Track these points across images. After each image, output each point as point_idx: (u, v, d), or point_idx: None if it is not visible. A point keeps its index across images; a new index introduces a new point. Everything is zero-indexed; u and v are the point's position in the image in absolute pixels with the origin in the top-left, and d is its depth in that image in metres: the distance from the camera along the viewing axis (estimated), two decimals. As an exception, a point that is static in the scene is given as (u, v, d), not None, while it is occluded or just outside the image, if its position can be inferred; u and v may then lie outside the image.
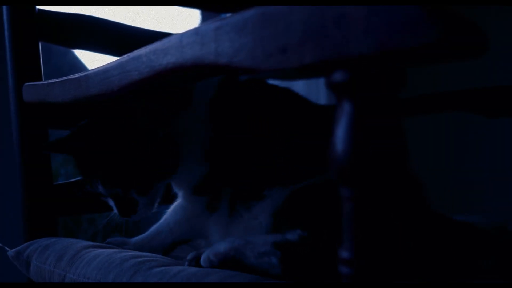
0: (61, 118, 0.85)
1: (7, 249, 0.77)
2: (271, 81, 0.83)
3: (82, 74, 0.60)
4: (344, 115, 0.38)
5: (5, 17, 0.81)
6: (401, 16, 0.33)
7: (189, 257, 0.64)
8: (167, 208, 0.84)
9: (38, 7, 0.85)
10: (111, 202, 0.77)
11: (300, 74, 0.42)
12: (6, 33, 0.81)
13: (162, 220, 0.83)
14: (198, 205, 0.79)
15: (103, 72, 0.57)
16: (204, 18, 1.56)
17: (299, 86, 1.56)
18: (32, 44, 0.82)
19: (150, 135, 0.73)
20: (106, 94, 0.57)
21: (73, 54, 1.76)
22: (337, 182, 0.39)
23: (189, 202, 0.81)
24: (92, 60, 1.68)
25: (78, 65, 2.05)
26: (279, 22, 0.40)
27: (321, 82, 1.50)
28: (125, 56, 0.54)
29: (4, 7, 0.81)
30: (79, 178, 0.87)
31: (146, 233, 0.82)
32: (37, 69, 0.82)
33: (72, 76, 0.62)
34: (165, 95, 0.76)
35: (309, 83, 1.66)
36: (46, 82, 0.70)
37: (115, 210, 0.77)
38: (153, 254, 0.69)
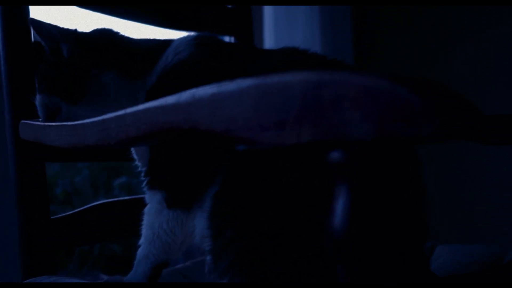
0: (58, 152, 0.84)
1: (5, 287, 0.77)
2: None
3: (79, 122, 0.60)
4: (341, 194, 0.38)
5: (1, 52, 0.81)
6: (400, 105, 0.33)
7: None
8: None
9: (33, 39, 0.84)
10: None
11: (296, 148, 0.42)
12: (2, 68, 0.81)
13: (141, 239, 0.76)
14: (154, 202, 0.74)
15: (100, 123, 0.57)
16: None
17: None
18: (28, 77, 0.82)
19: None
20: (103, 146, 0.57)
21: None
22: (334, 257, 0.39)
23: (148, 199, 0.76)
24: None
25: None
26: (277, 96, 0.39)
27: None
28: (121, 110, 0.54)
29: (0, 42, 0.80)
30: (74, 211, 0.88)
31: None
32: (34, 104, 0.81)
33: (69, 123, 0.62)
34: None
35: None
36: (42, 123, 0.70)
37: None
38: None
